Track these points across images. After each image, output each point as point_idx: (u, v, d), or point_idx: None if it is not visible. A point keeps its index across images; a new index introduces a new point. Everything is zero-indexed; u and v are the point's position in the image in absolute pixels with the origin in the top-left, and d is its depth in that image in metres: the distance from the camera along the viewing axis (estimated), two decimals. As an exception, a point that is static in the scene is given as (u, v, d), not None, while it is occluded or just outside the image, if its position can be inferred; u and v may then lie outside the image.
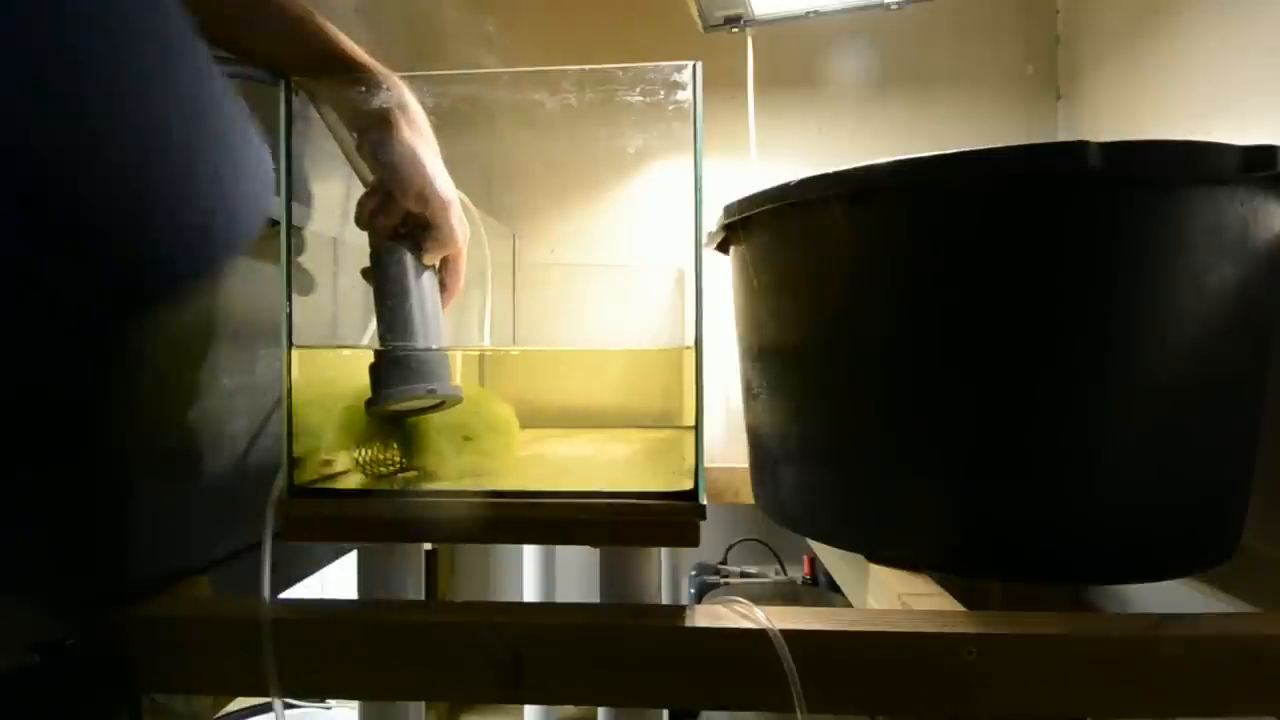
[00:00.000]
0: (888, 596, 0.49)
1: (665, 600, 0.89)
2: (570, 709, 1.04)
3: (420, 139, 0.47)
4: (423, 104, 0.48)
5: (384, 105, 0.45)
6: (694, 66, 0.44)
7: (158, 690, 0.43)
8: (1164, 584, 0.50)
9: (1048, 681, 0.38)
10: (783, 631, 0.38)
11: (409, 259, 0.48)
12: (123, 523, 0.43)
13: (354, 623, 0.42)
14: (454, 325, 0.58)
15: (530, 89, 0.50)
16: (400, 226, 0.48)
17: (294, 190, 0.46)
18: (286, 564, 0.56)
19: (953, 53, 1.10)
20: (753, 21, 0.91)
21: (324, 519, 0.46)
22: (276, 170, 0.45)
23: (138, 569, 0.44)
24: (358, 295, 0.50)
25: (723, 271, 0.68)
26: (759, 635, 0.39)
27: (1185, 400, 0.46)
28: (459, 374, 0.53)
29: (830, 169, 0.49)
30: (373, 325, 0.48)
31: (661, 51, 0.50)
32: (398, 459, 0.50)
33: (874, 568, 0.52)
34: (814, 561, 1.03)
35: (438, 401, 0.49)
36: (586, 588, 1.08)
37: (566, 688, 0.41)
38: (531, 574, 1.02)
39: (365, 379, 0.47)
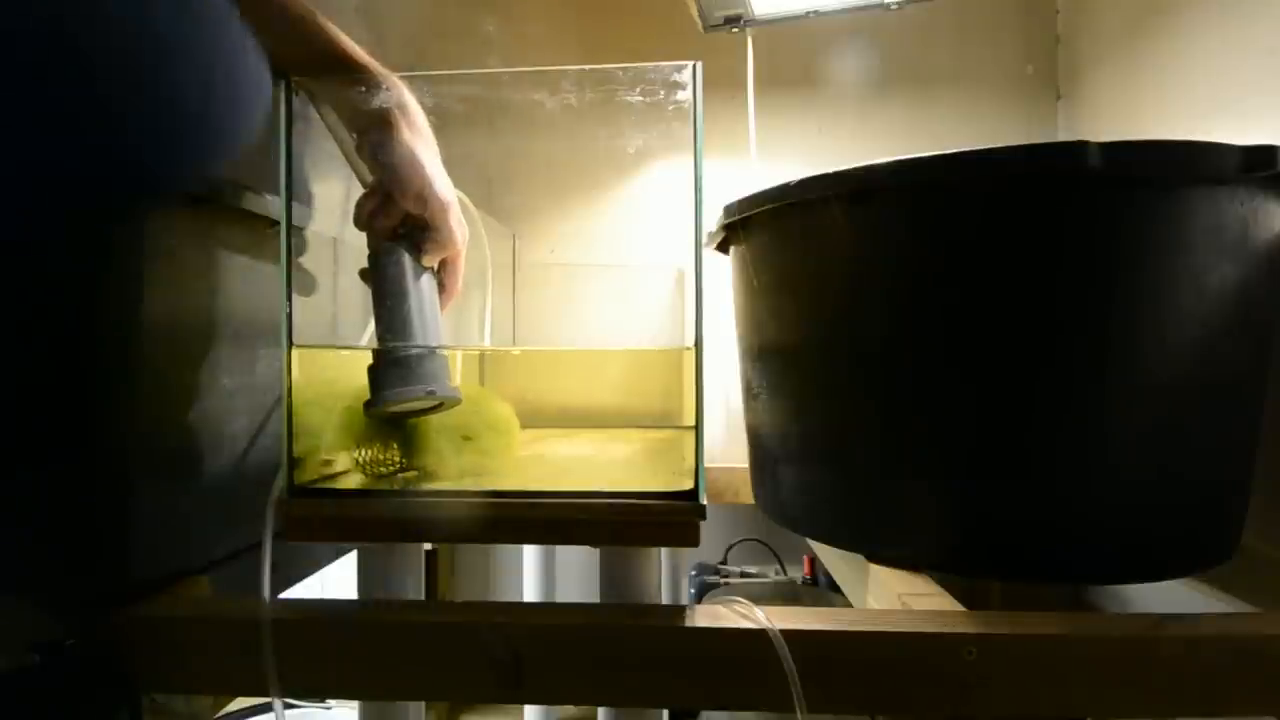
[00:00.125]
0: (888, 596, 0.49)
1: (665, 600, 0.89)
2: (570, 709, 1.04)
3: (420, 140, 0.46)
4: (423, 104, 0.48)
5: (384, 105, 0.45)
6: (694, 66, 0.44)
7: (158, 690, 0.43)
8: (1164, 584, 0.50)
9: (1048, 681, 0.38)
10: (783, 631, 0.38)
11: (408, 260, 0.48)
12: (123, 523, 0.43)
13: (354, 623, 0.42)
14: (454, 325, 0.59)
15: (530, 89, 0.50)
16: (399, 227, 0.48)
17: (294, 190, 0.46)
18: (286, 564, 0.56)
19: (953, 53, 1.10)
20: (753, 21, 0.91)
21: (324, 519, 0.46)
22: (276, 170, 0.45)
23: (138, 569, 0.44)
24: (358, 295, 0.50)
25: (723, 271, 0.68)
26: (759, 635, 0.39)
27: (1185, 400, 0.46)
28: (459, 374, 0.53)
29: (830, 169, 0.49)
30: (372, 326, 0.48)
31: (661, 51, 0.50)
32: (398, 459, 0.50)
33: (874, 568, 0.52)
34: (814, 561, 1.03)
35: (436, 403, 0.49)
36: (586, 588, 1.08)
37: (566, 688, 0.41)
38: (531, 574, 1.02)
39: (365, 378, 0.47)
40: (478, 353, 0.64)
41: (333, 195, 0.53)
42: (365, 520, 0.46)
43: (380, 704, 0.50)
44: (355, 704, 0.54)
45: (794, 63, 1.10)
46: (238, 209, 0.50)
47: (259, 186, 0.51)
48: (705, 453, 0.44)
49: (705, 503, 0.43)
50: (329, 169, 0.51)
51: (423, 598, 0.56)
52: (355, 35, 0.45)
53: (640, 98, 0.47)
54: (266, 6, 0.43)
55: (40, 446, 0.43)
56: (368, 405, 0.47)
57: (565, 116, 0.49)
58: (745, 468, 0.68)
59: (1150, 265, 0.44)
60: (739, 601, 0.42)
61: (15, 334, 0.42)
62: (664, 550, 0.89)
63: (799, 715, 0.38)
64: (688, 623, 0.40)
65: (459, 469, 0.51)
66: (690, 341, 0.44)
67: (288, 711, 0.94)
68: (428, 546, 0.61)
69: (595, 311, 0.84)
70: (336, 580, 0.81)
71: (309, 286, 0.50)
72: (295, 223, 0.47)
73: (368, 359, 0.47)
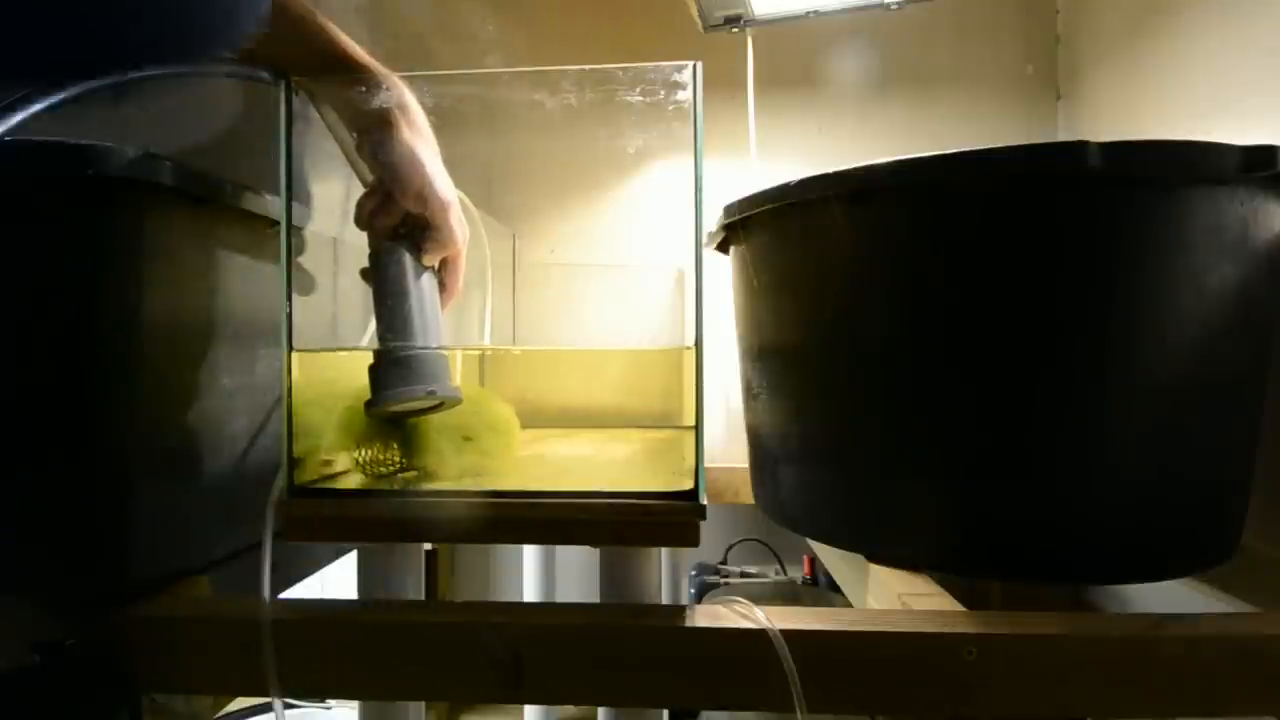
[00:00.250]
0: (888, 596, 0.49)
1: (665, 600, 0.89)
2: (570, 709, 1.04)
3: (420, 139, 0.46)
4: (423, 104, 0.48)
5: (384, 105, 0.45)
6: (694, 66, 0.44)
7: (158, 690, 0.43)
8: (1164, 584, 0.50)
9: (1048, 681, 0.38)
10: (783, 631, 0.38)
11: (408, 260, 0.48)
12: (123, 523, 0.43)
13: (354, 623, 0.42)
14: (454, 325, 0.58)
15: (530, 89, 0.50)
16: (400, 227, 0.48)
17: (294, 190, 0.46)
18: (286, 564, 0.56)
19: (953, 53, 1.10)
20: (753, 21, 0.91)
21: (324, 519, 0.46)
22: (276, 170, 0.45)
23: (138, 569, 0.44)
24: (358, 295, 0.50)
25: (723, 271, 0.68)
26: (759, 635, 0.39)
27: (1185, 400, 0.46)
28: (459, 374, 0.53)
29: (830, 169, 0.49)
30: (372, 326, 0.48)
31: (661, 51, 0.50)
32: (398, 459, 0.50)
33: (874, 568, 0.52)
34: (814, 561, 1.03)
35: (437, 403, 0.49)
36: (586, 588, 1.08)
37: (566, 688, 0.41)
38: (531, 574, 1.02)
39: (365, 378, 0.47)
40: (478, 352, 0.64)
41: (333, 195, 0.53)
42: (365, 520, 0.46)
43: (380, 704, 0.50)
44: (355, 704, 0.54)
45: (794, 63, 1.10)
46: (238, 209, 0.50)
47: (259, 186, 0.51)
48: (705, 453, 0.44)
49: (705, 503, 0.43)
50: (329, 169, 0.51)
51: (423, 598, 0.56)
52: (355, 35, 0.45)
53: (640, 98, 0.47)
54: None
55: (40, 446, 0.43)
56: (368, 405, 0.47)
57: (565, 116, 0.49)
58: (745, 468, 0.68)
59: (1150, 265, 0.44)
60: (739, 601, 0.42)
61: (15, 334, 0.42)
62: (664, 550, 0.89)
63: (799, 715, 0.38)
64: (688, 623, 0.40)
65: (459, 469, 0.51)
66: (690, 341, 0.44)
67: (288, 711, 0.94)
68: (428, 546, 0.61)
69: (595, 311, 0.84)
70: (336, 580, 0.81)
71: (308, 286, 0.50)
72: (295, 223, 0.47)
73: (368, 359, 0.47)
